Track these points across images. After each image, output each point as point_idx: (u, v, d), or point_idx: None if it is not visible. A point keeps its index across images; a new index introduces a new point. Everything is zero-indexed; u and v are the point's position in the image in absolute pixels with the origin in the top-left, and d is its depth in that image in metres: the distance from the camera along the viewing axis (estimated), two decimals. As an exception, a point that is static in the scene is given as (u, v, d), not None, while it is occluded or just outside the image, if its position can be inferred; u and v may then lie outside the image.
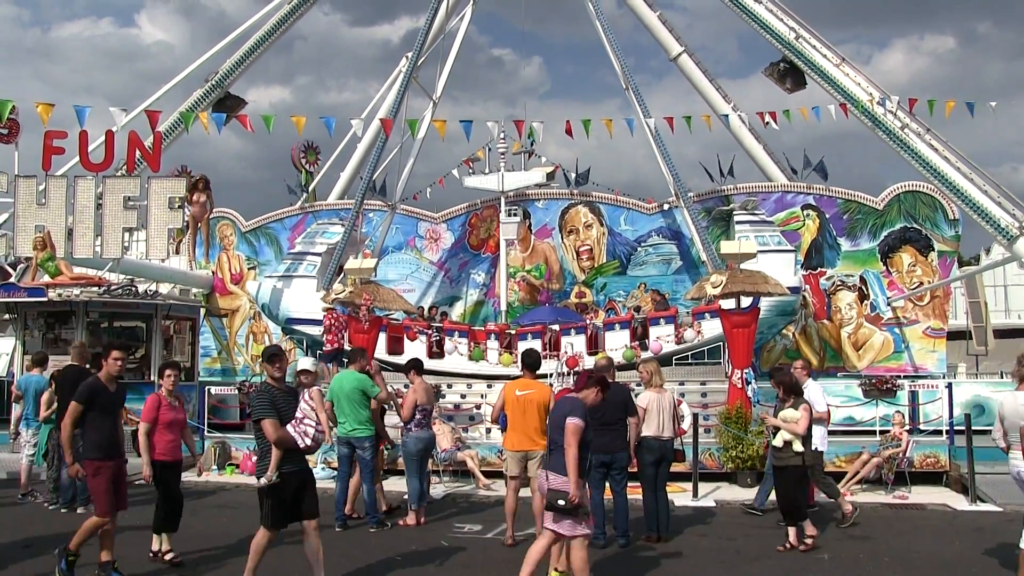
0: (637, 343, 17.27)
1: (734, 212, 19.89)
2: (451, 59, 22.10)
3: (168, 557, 8.51)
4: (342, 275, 19.69)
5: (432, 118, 20.73)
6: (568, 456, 6.89)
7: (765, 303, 16.41)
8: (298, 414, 7.30)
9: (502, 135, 19.80)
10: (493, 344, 17.85)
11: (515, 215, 20.13)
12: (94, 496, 7.97)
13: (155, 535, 8.63)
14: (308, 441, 7.26)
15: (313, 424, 7.32)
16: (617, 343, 17.26)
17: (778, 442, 9.42)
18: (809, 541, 9.30)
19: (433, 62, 22.08)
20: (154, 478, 8.40)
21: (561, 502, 6.93)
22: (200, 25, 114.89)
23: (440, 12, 22.06)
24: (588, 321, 18.45)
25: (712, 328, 16.87)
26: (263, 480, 7.13)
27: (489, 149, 20.62)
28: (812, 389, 10.74)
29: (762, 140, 22.50)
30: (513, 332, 18.22)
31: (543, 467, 7.45)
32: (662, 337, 17.25)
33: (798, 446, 9.27)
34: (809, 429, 9.56)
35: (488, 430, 15.41)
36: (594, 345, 17.44)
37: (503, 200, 20.13)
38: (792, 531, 9.30)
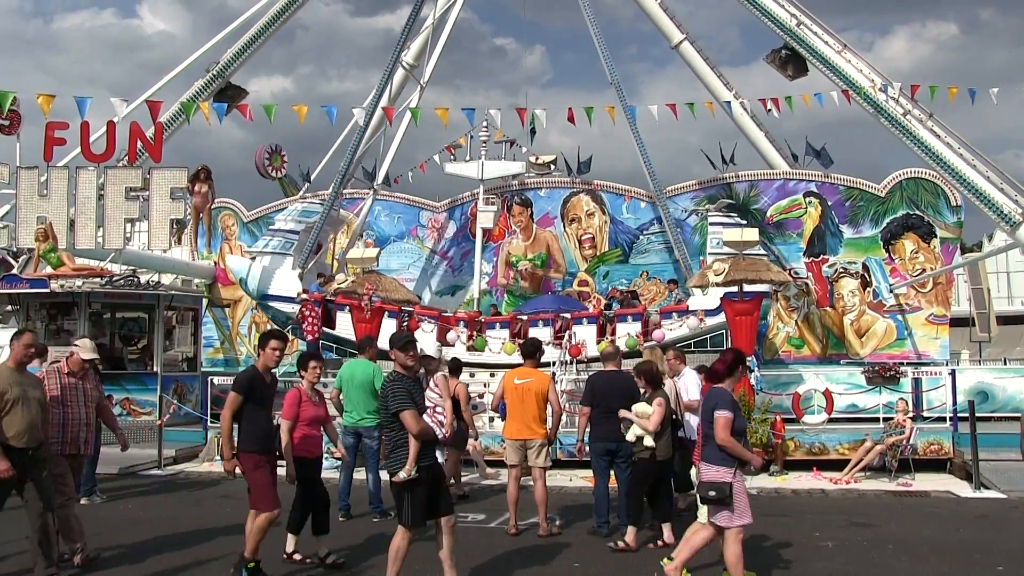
0: (640, 333, 17.20)
1: (708, 213, 19.71)
2: (441, 43, 22.02)
3: (330, 560, 8.07)
4: (319, 254, 19.70)
5: (419, 102, 20.86)
6: (729, 447, 6.75)
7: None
8: (428, 403, 6.94)
9: (484, 123, 19.81)
10: (463, 331, 17.79)
11: (492, 204, 20.16)
12: (257, 491, 7.45)
13: (290, 535, 8.26)
14: (444, 431, 6.96)
15: (444, 413, 7.00)
16: (586, 336, 17.03)
17: (631, 436, 8.98)
18: (660, 542, 8.79)
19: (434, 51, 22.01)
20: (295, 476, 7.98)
21: (712, 493, 6.77)
22: (201, 15, 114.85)
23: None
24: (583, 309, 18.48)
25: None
26: (402, 474, 6.65)
27: (471, 137, 20.61)
28: (687, 376, 10.41)
29: (764, 127, 22.41)
30: (483, 320, 18.24)
31: (699, 459, 7.16)
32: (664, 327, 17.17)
33: (649, 441, 8.80)
34: (673, 424, 9.22)
35: (491, 419, 15.40)
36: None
37: (482, 188, 20.15)
38: (631, 530, 8.77)
